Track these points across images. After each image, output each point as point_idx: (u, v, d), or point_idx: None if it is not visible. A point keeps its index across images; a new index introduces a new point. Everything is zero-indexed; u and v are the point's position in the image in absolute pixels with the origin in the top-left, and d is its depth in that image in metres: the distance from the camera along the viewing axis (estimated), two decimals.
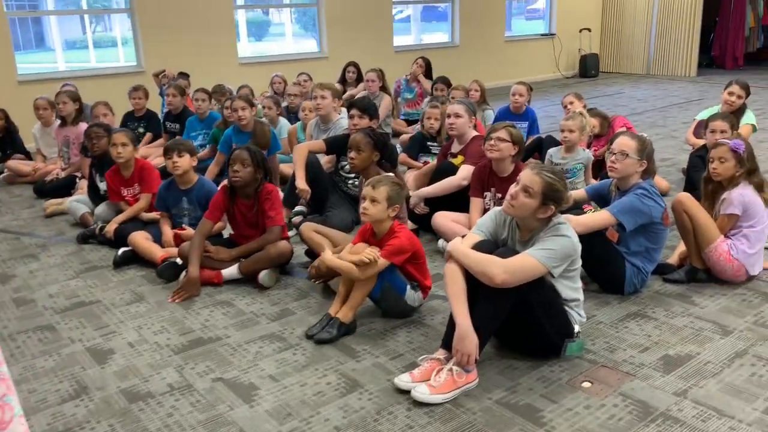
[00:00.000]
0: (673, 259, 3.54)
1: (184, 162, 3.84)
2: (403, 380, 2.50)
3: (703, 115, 5.24)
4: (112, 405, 2.47)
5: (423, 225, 4.15)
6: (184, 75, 7.19)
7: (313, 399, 2.47)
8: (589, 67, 12.60)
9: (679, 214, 3.33)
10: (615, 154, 3.15)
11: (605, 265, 3.21)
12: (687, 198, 3.32)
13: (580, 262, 2.67)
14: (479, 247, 2.58)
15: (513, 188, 2.59)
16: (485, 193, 3.85)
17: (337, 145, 4.34)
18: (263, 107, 5.78)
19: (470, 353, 2.41)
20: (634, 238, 3.18)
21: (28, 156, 6.29)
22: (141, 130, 6.30)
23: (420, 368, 2.52)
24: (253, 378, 2.63)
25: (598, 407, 2.37)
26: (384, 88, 6.90)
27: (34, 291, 3.56)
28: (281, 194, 3.93)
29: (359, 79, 7.78)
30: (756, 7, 12.65)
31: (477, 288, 2.49)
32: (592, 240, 3.08)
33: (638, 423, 2.27)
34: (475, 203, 3.86)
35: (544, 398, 2.44)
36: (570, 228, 2.57)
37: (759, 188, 3.28)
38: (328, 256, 2.96)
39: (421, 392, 2.42)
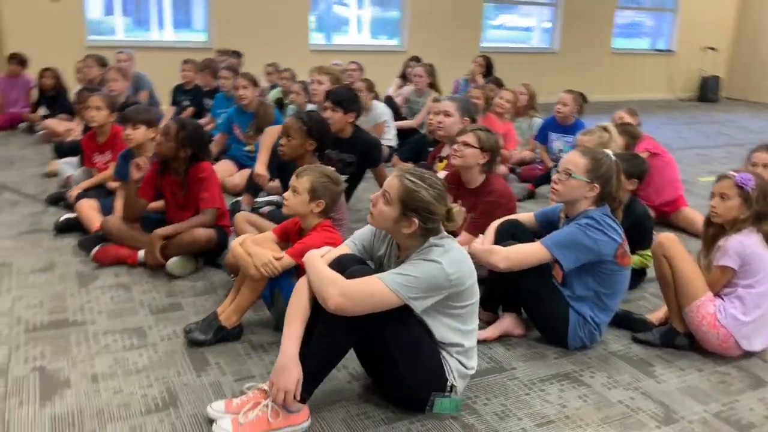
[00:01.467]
0: (655, 316, 2.82)
1: (138, 134, 3.55)
2: (215, 408, 2.05)
3: None
4: None
5: None
6: (236, 53, 7.07)
7: (111, 410, 2.10)
8: (709, 91, 11.27)
9: (658, 259, 2.63)
10: (559, 172, 2.51)
11: (541, 310, 2.58)
12: (668, 240, 2.60)
13: (474, 299, 2.11)
14: (337, 262, 2.08)
15: (376, 194, 2.07)
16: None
17: None
18: (291, 93, 5.47)
19: (287, 389, 1.93)
20: (581, 279, 2.52)
21: (72, 115, 6.42)
22: (186, 103, 6.26)
23: (242, 397, 2.07)
24: (74, 374, 2.30)
25: None
26: (433, 85, 6.37)
27: None
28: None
29: None
30: None
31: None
32: (525, 277, 2.50)
33: None
34: None
35: None
36: (446, 253, 2.00)
37: None
38: (236, 243, 2.58)
39: (222, 427, 1.97)
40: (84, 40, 7.50)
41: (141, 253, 3.22)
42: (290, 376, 1.93)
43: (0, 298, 2.85)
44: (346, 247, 2.19)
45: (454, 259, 2.01)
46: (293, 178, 2.61)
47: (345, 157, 3.75)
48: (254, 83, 4.73)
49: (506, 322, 2.68)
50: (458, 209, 2.07)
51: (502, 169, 4.74)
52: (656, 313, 2.85)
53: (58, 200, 4.19)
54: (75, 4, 7.40)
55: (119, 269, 3.20)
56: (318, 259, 2.07)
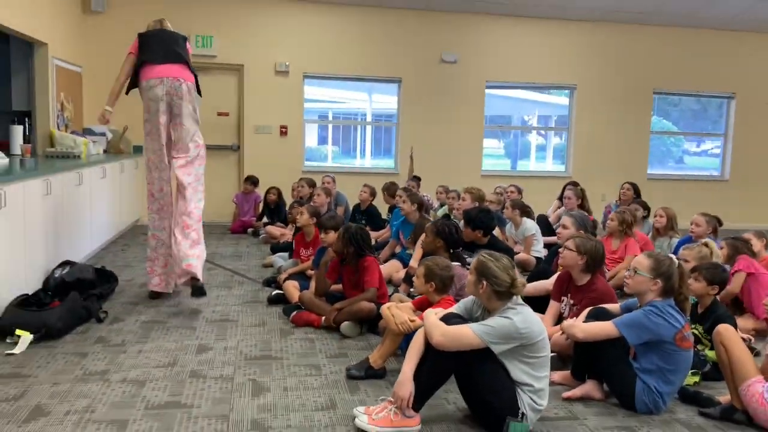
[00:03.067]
0: (724, 398, 3.33)
1: (329, 238, 4.88)
2: (358, 410, 3.05)
3: None
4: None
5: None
6: (416, 178, 8.47)
7: (294, 406, 3.18)
8: None
9: (716, 345, 3.22)
10: (628, 270, 3.27)
11: (611, 375, 3.27)
12: (725, 329, 3.19)
13: (544, 353, 2.93)
14: (445, 318, 3.05)
15: None
16: (563, 298, 4.10)
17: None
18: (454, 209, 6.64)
19: (403, 398, 2.88)
20: (646, 355, 3.20)
21: (287, 224, 8.14)
22: (363, 222, 7.67)
23: (376, 405, 3.05)
24: (273, 386, 3.44)
25: None
26: (582, 207, 7.17)
27: (206, 306, 4.92)
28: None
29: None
30: None
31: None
32: (602, 348, 3.24)
33: None
34: (552, 306, 4.13)
35: None
36: (518, 314, 2.87)
37: None
38: (384, 307, 3.65)
39: (361, 420, 2.95)
40: (301, 165, 9.47)
41: (324, 319, 4.41)
42: (406, 389, 2.89)
43: (230, 340, 4.17)
44: (453, 309, 3.16)
45: (525, 318, 2.88)
46: (417, 265, 3.67)
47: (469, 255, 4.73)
48: (413, 201, 5.93)
49: (588, 386, 3.39)
50: (521, 280, 2.96)
51: None
52: (725, 396, 3.36)
53: (271, 282, 5.61)
54: (297, 137, 9.43)
55: (308, 330, 4.40)
56: (431, 314, 3.05)
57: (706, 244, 4.41)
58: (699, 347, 3.78)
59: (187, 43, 5.11)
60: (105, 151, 7.97)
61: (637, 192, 7.68)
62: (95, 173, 6.41)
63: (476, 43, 9.76)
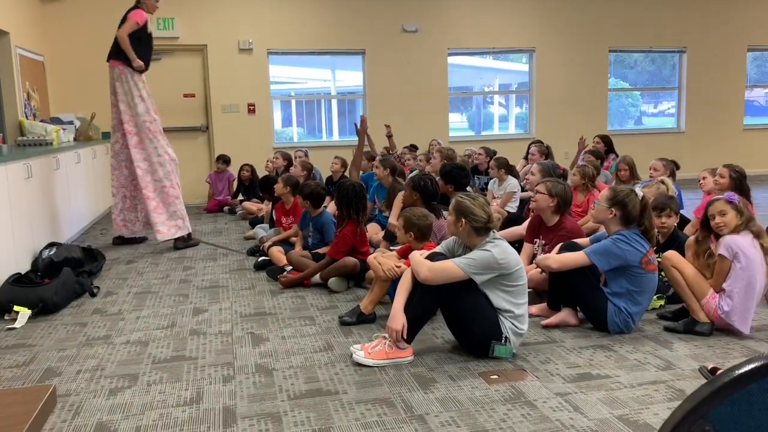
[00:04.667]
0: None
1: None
2: (355, 348, 3.27)
3: None
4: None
5: None
6: (387, 149, 8.66)
7: (293, 350, 3.39)
8: None
9: (667, 270, 3.52)
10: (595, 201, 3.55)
11: (584, 301, 3.56)
12: (671, 254, 3.52)
13: (522, 281, 3.18)
14: (430, 256, 3.28)
15: None
16: (535, 240, 4.37)
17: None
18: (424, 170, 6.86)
19: (396, 329, 3.11)
20: (616, 280, 3.48)
21: (262, 200, 8.27)
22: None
23: (371, 342, 3.28)
24: (271, 336, 3.64)
25: (481, 388, 2.86)
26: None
27: (195, 276, 5.09)
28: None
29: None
30: None
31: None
32: (574, 277, 3.51)
33: (502, 404, 2.72)
34: (526, 247, 4.39)
35: (450, 378, 2.99)
36: (496, 246, 3.12)
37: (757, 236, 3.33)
38: (371, 257, 3.88)
39: (358, 355, 3.18)
40: (272, 142, 9.58)
41: (315, 278, 4.61)
42: (398, 322, 3.11)
43: (224, 302, 4.34)
44: (437, 249, 3.39)
45: (502, 249, 3.13)
46: (399, 219, 3.89)
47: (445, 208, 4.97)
48: (385, 166, 6.14)
49: (564, 314, 3.67)
50: (497, 215, 3.20)
51: None
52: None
53: (255, 252, 5.78)
54: (265, 114, 9.53)
55: (298, 288, 4.60)
56: (418, 254, 3.28)
57: (662, 182, 4.72)
58: (662, 274, 4.08)
59: (130, 15, 5.82)
60: (75, 139, 7.98)
61: (608, 145, 7.99)
62: (70, 158, 6.47)
63: (436, 11, 9.94)
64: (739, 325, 3.32)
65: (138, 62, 5.77)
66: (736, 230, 3.38)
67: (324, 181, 8.07)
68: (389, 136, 8.46)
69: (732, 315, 3.31)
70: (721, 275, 3.38)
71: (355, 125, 5.66)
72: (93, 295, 4.55)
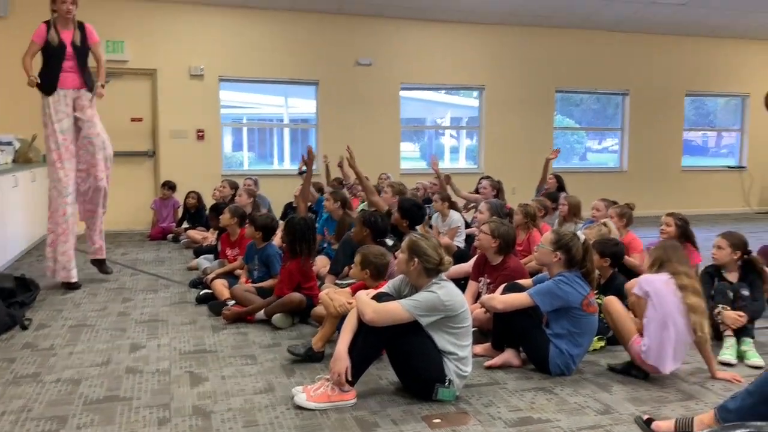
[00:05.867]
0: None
1: (247, 231, 5.03)
2: (297, 390, 3.20)
3: None
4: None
5: None
6: (338, 180, 8.65)
7: (234, 391, 3.30)
8: None
9: (607, 315, 3.61)
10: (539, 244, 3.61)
11: (527, 341, 3.59)
12: (608, 301, 3.61)
13: (466, 323, 3.19)
14: (376, 296, 3.25)
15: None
16: (480, 278, 4.40)
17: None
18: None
19: (340, 372, 3.06)
20: (557, 321, 3.53)
21: (208, 228, 8.12)
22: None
23: (313, 384, 3.22)
24: (211, 376, 3.54)
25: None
26: (497, 197, 7.57)
27: (134, 309, 4.92)
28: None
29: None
30: None
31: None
32: (513, 316, 3.54)
33: None
34: (471, 285, 4.43)
35: (392, 422, 2.95)
36: (442, 288, 3.13)
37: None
38: (323, 293, 3.82)
39: (299, 397, 3.11)
40: (220, 170, 9.45)
41: (259, 314, 4.52)
42: (342, 364, 3.07)
43: (163, 338, 4.21)
44: (383, 289, 3.37)
45: (448, 291, 3.14)
46: (356, 255, 3.87)
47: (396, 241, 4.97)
48: (336, 199, 6.12)
49: (507, 354, 3.69)
50: (448, 258, 3.21)
51: None
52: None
53: (198, 284, 5.64)
54: (215, 141, 9.42)
55: (240, 324, 4.50)
56: (364, 294, 3.25)
57: (604, 224, 4.84)
58: (602, 315, 4.15)
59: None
60: (14, 161, 7.70)
61: (560, 184, 8.17)
62: (6, 182, 6.23)
63: (390, 46, 10.07)
64: (654, 362, 3.37)
65: (30, 80, 5.20)
66: (650, 270, 3.50)
67: (272, 210, 8.02)
68: (340, 166, 8.47)
69: (649, 353, 3.38)
70: (640, 315, 3.47)
71: (303, 157, 5.61)
72: (24, 327, 4.35)
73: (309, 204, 7.52)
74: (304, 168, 8.16)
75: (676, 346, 3.38)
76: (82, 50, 5.48)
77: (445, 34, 10.32)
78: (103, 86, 5.53)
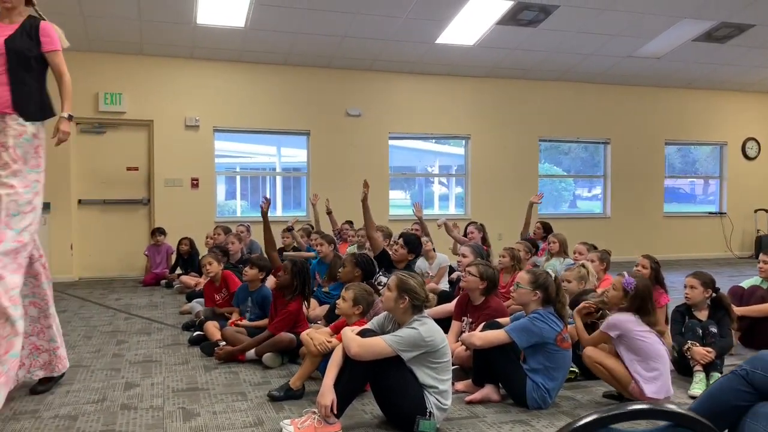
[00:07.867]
0: None
1: (251, 273, 5.22)
2: (285, 423, 3.36)
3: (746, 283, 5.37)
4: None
5: None
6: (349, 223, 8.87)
7: (225, 426, 3.45)
8: (764, 248, 11.98)
9: (591, 366, 3.81)
10: (515, 284, 3.83)
11: (505, 376, 3.77)
12: (591, 351, 3.82)
13: (446, 358, 3.38)
14: (361, 333, 3.44)
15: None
16: (463, 318, 4.60)
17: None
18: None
19: (326, 405, 3.22)
20: (534, 356, 3.71)
21: (200, 274, 8.29)
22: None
23: (301, 417, 3.38)
24: (203, 411, 3.68)
25: None
26: (484, 240, 7.81)
27: (128, 350, 5.07)
28: None
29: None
30: None
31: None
32: (492, 353, 3.73)
33: None
34: (454, 325, 4.61)
35: None
36: (423, 325, 3.32)
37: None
38: (304, 333, 3.98)
39: (287, 429, 3.26)
40: (214, 217, 9.68)
41: (249, 353, 4.67)
42: (328, 398, 3.24)
43: (156, 377, 4.36)
44: (368, 326, 3.56)
45: (429, 328, 3.33)
46: (343, 290, 4.07)
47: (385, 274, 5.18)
48: (329, 242, 6.35)
49: (487, 390, 3.86)
50: (433, 296, 3.42)
51: None
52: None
53: (190, 327, 5.80)
54: (209, 189, 9.67)
55: (232, 364, 4.65)
56: (349, 331, 3.44)
57: (583, 265, 5.07)
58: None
59: None
60: None
61: (546, 230, 8.43)
62: None
63: (378, 98, 10.46)
64: (653, 395, 3.57)
65: None
66: (620, 309, 3.73)
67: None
68: (329, 213, 8.71)
69: (644, 387, 3.57)
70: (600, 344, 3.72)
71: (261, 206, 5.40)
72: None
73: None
74: (291, 225, 8.42)
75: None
76: (22, 56, 3.61)
77: (431, 86, 10.74)
78: (70, 118, 3.76)
